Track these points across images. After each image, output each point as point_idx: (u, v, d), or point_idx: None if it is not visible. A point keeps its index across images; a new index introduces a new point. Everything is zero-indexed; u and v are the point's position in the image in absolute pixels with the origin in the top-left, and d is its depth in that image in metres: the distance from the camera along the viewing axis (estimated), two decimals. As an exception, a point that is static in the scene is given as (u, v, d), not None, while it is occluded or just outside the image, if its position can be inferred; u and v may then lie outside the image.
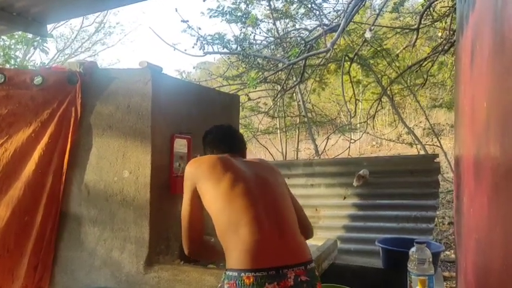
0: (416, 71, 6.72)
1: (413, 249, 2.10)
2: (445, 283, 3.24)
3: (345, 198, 3.51)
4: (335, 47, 5.25)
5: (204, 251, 1.79)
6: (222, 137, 2.03)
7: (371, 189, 3.42)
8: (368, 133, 6.72)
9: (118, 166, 2.31)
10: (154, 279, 2.19)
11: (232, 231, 1.58)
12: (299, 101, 7.53)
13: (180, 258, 2.40)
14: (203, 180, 1.70)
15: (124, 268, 2.26)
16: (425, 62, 6.36)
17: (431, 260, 2.07)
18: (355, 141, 6.17)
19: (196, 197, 1.72)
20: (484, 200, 0.98)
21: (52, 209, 2.37)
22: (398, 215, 3.26)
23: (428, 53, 6.55)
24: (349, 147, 5.88)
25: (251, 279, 1.47)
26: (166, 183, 2.37)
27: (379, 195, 3.39)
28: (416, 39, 5.99)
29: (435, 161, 3.27)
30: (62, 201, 2.39)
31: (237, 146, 2.04)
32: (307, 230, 1.90)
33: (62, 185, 2.38)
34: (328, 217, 3.48)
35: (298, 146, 8.66)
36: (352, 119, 6.69)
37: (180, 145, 2.47)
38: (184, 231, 1.74)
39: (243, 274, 1.49)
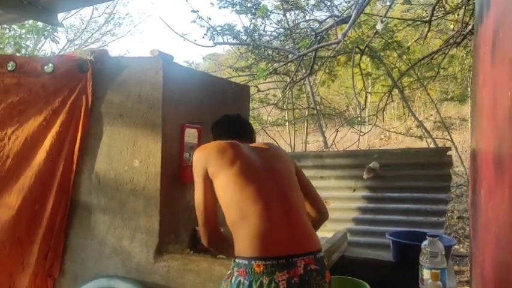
0: (427, 64, 6.64)
1: (425, 242, 2.08)
2: (454, 277, 3.21)
3: (354, 190, 3.48)
4: (345, 38, 5.19)
5: (225, 243, 1.71)
6: (230, 125, 2.02)
7: (381, 182, 3.38)
8: (378, 126, 6.67)
9: (128, 155, 2.31)
10: (164, 268, 2.19)
11: (242, 219, 1.57)
12: (308, 93, 7.48)
13: (190, 248, 2.40)
14: (213, 165, 1.67)
15: (134, 257, 2.26)
16: (437, 55, 6.28)
17: (443, 253, 2.04)
18: (364, 134, 6.11)
19: (209, 181, 1.69)
20: (505, 193, 0.95)
21: (62, 197, 2.37)
22: (409, 208, 3.23)
23: (440, 46, 6.47)
24: (358, 139, 5.84)
25: (261, 268, 1.47)
26: (176, 173, 2.36)
27: (389, 188, 3.35)
28: (428, 31, 5.91)
29: (447, 154, 3.23)
30: (72, 190, 2.39)
31: (246, 133, 2.02)
32: (322, 214, 1.90)
33: (72, 173, 2.37)
34: (338, 209, 3.45)
35: (306, 138, 8.64)
36: (361, 112, 6.63)
37: (191, 135, 2.46)
38: (202, 221, 1.68)
39: (253, 262, 1.48)
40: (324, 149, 6.50)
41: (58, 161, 2.36)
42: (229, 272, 1.60)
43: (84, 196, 2.40)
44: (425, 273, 2.01)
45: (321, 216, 1.91)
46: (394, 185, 3.34)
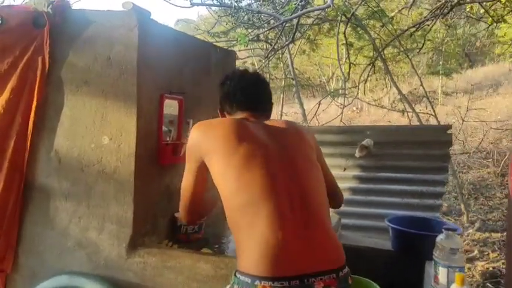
0: (411, 35, 6.40)
1: (441, 236, 1.83)
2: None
3: (345, 169, 3.24)
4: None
5: (204, 215, 1.74)
6: (246, 88, 1.60)
7: (374, 161, 3.14)
8: (358, 98, 6.43)
9: (96, 130, 1.93)
10: (139, 264, 1.87)
11: (247, 222, 1.25)
12: (286, 60, 7.13)
13: (168, 239, 2.09)
14: (214, 151, 1.34)
15: (103, 251, 1.92)
16: (423, 25, 6.04)
17: (462, 249, 1.81)
18: (345, 106, 5.87)
19: (202, 171, 1.41)
20: None
21: (15, 179, 1.99)
22: (404, 189, 3.01)
23: (425, 16, 6.23)
24: (341, 113, 5.57)
25: None
26: (153, 153, 2.00)
27: (383, 168, 3.12)
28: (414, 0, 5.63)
29: (447, 132, 3.01)
30: (27, 171, 2.01)
31: (263, 104, 1.63)
32: (338, 200, 1.79)
33: (26, 151, 1.99)
34: (327, 190, 3.20)
35: (282, 110, 8.34)
36: (344, 83, 6.37)
37: (170, 107, 2.09)
38: (184, 205, 1.52)
39: (257, 282, 1.17)
40: (303, 122, 6.23)
41: (9, 135, 1.97)
42: (228, 286, 1.28)
43: (41, 178, 2.02)
44: (442, 272, 1.77)
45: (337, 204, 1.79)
46: (389, 165, 3.09)
